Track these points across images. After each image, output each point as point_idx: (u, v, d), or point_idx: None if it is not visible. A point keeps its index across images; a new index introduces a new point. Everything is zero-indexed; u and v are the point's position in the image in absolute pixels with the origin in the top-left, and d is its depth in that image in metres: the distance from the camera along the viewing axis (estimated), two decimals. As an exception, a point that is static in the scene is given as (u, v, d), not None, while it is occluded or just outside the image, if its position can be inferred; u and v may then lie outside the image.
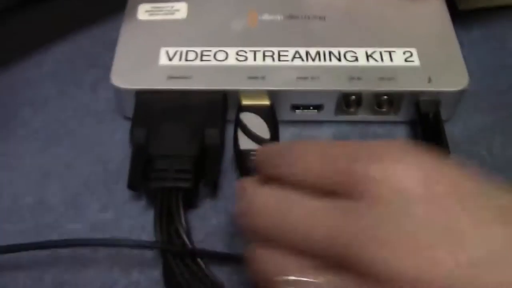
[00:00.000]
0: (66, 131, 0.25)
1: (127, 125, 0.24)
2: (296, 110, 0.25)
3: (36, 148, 0.25)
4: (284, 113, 0.25)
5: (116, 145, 0.25)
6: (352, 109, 0.24)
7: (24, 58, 0.28)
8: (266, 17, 0.26)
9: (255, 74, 0.24)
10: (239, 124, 0.23)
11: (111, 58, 0.25)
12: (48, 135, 0.25)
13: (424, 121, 0.24)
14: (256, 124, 0.23)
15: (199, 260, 0.20)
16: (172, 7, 0.27)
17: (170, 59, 0.24)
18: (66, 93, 0.27)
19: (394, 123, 0.25)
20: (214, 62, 0.24)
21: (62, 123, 0.26)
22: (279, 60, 0.24)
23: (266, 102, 0.24)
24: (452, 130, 0.25)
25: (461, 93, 0.24)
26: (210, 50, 0.25)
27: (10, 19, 0.29)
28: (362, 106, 0.24)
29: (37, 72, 0.28)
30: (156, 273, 0.21)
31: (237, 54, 0.25)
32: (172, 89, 0.24)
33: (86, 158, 0.24)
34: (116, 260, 0.21)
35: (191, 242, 0.21)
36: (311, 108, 0.24)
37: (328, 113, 0.25)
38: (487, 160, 0.24)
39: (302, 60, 0.24)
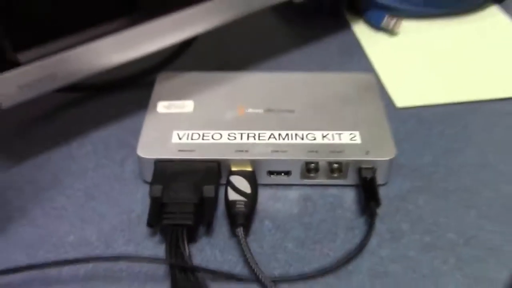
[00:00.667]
0: (100, 192, 0.34)
1: (146, 187, 0.33)
2: (271, 175, 0.33)
3: (78, 204, 0.33)
4: (262, 178, 0.33)
5: (137, 201, 0.33)
6: (312, 175, 0.33)
7: (70, 140, 0.38)
8: (250, 110, 0.36)
9: (241, 148, 0.33)
10: (229, 183, 0.32)
11: (136, 141, 0.34)
12: (87, 195, 0.34)
13: (364, 183, 0.32)
14: (242, 183, 0.32)
15: (197, 274, 0.28)
16: (183, 104, 0.37)
17: (180, 139, 0.34)
18: (101, 166, 0.36)
19: (345, 186, 0.34)
20: (211, 140, 0.34)
21: (98, 187, 0.34)
22: (259, 139, 0.34)
23: (249, 168, 0.33)
24: (388, 190, 0.34)
25: (390, 162, 0.33)
26: (209, 132, 0.34)
27: (61, 113, 0.39)
28: (320, 172, 0.33)
29: (80, 151, 0.37)
30: (166, 286, 0.28)
31: (228, 135, 0.34)
32: (181, 158, 0.33)
33: (115, 210, 0.33)
34: (135, 277, 0.29)
35: (191, 262, 0.28)
36: (282, 173, 0.33)
37: (295, 178, 0.33)
38: (413, 212, 0.32)
39: (276, 139, 0.34)
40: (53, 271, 0.29)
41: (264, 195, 0.33)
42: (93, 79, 0.40)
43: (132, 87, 0.42)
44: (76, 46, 0.32)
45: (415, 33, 0.48)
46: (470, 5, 0.50)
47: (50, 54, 0.32)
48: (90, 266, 0.29)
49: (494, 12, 0.50)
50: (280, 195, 0.34)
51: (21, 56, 0.31)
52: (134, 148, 0.34)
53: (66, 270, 0.29)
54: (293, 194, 0.34)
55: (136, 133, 0.37)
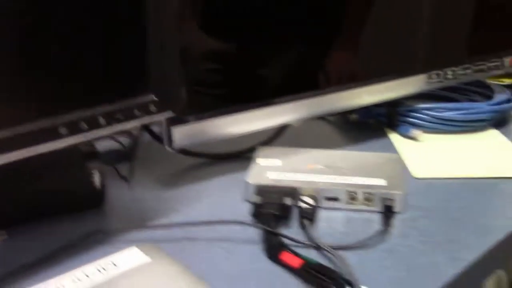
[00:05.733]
0: (223, 202, 0.55)
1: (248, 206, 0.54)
2: (326, 200, 0.54)
3: (212, 209, 0.54)
4: (320, 202, 0.54)
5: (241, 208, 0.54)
6: (354, 201, 0.53)
7: (209, 179, 0.60)
8: (316, 166, 0.58)
9: (309, 184, 0.54)
10: (301, 200, 0.52)
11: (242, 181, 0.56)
12: (214, 204, 0.55)
13: (386, 210, 0.52)
14: (309, 200, 0.52)
15: (281, 237, 0.47)
16: (273, 161, 0.59)
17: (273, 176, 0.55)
18: (225, 190, 0.57)
19: (373, 212, 0.53)
20: (289, 178, 0.55)
21: (222, 203, 0.56)
22: (320, 179, 0.55)
23: (312, 193, 0.53)
24: (403, 214, 0.53)
25: (405, 195, 0.52)
26: (287, 174, 0.56)
27: (195, 169, 0.63)
28: (358, 200, 0.53)
29: (212, 185, 0.59)
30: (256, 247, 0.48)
31: (300, 176, 0.55)
32: (272, 185, 0.54)
33: (232, 213, 0.54)
34: (246, 238, 0.48)
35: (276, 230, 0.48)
36: (333, 200, 0.54)
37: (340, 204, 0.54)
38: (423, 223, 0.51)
39: (328, 180, 0.55)
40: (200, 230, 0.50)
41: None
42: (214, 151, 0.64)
43: (239, 159, 0.65)
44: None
45: (430, 140, 0.69)
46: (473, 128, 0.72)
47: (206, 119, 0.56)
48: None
49: (493, 133, 0.72)
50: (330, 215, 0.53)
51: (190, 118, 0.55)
52: (240, 184, 0.56)
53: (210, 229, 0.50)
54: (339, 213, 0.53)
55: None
